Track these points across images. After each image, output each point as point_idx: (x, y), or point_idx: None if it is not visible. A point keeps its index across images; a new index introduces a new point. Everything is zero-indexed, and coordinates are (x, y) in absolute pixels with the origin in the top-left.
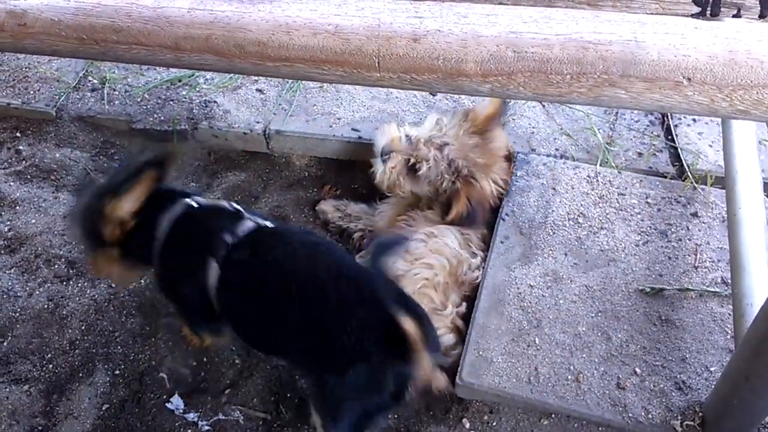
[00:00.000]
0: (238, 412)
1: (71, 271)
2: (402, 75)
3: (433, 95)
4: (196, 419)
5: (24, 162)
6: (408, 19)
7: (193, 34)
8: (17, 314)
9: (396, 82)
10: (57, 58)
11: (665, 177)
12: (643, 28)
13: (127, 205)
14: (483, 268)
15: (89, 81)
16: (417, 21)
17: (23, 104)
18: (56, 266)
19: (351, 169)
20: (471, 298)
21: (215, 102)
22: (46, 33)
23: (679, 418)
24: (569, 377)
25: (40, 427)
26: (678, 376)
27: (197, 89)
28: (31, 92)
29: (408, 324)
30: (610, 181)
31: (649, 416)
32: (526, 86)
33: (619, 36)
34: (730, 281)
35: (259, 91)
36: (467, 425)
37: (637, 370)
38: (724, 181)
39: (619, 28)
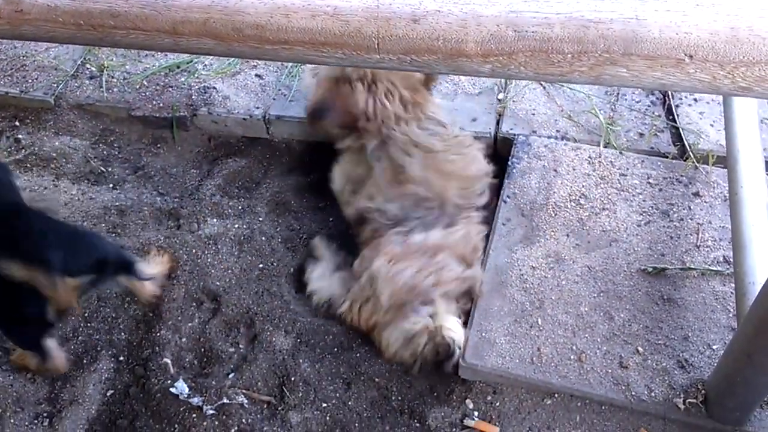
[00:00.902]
0: (242, 396)
1: None
2: (402, 56)
3: None
4: (200, 403)
5: (23, 151)
6: None
7: (191, 18)
8: None
9: (396, 64)
10: (54, 46)
11: (667, 157)
12: (644, 5)
13: None
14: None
15: (87, 69)
16: (416, 1)
17: (21, 93)
18: None
19: None
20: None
21: (214, 88)
22: (43, 19)
23: (682, 395)
24: (572, 357)
25: (45, 414)
26: (680, 355)
27: (196, 75)
28: (29, 81)
29: None
30: (611, 161)
31: (652, 394)
32: (527, 66)
33: (620, 14)
34: (732, 260)
35: (258, 76)
36: (471, 406)
37: (640, 349)
38: (725, 161)
39: (620, 6)
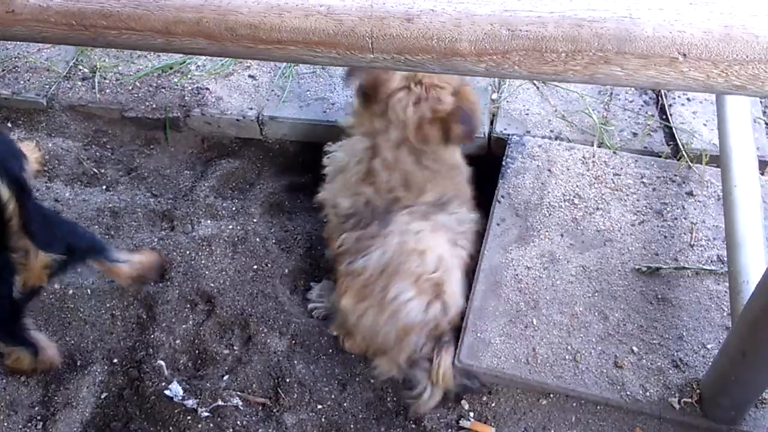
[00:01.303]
0: (237, 398)
1: None
2: (396, 56)
3: None
4: (195, 406)
5: None
6: None
7: (184, 18)
8: None
9: (390, 63)
10: (47, 48)
11: (660, 156)
12: (638, 4)
13: None
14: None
15: (80, 70)
16: (410, 1)
17: (14, 95)
18: None
19: None
20: None
21: (207, 89)
22: (35, 19)
23: (677, 395)
24: (567, 357)
25: (38, 417)
26: (675, 354)
27: (189, 76)
28: (22, 82)
29: None
30: (605, 161)
31: (647, 394)
32: (521, 65)
33: (614, 12)
34: (725, 259)
35: (252, 77)
36: (466, 406)
37: (635, 348)
38: (719, 160)
39: (613, 5)
